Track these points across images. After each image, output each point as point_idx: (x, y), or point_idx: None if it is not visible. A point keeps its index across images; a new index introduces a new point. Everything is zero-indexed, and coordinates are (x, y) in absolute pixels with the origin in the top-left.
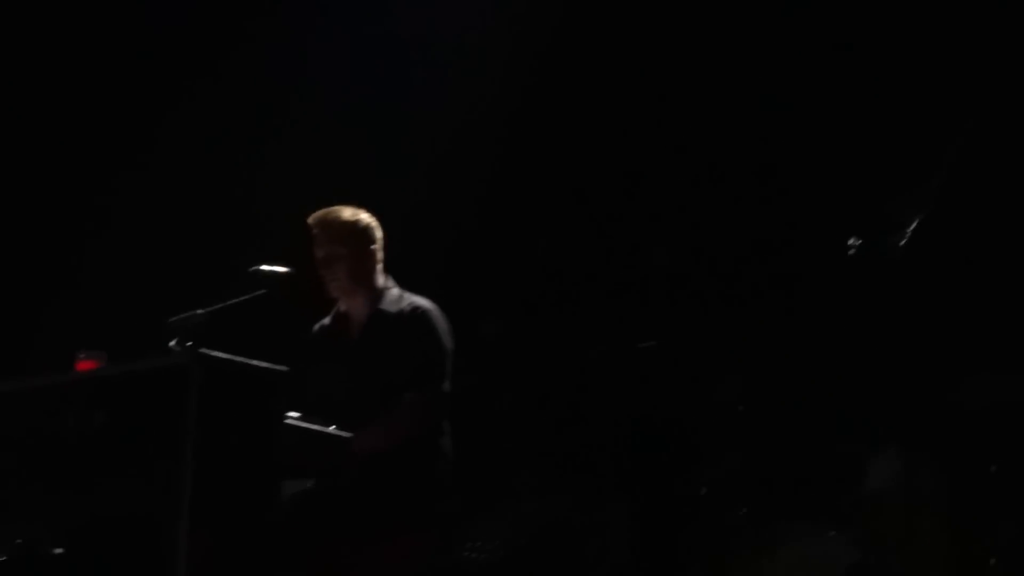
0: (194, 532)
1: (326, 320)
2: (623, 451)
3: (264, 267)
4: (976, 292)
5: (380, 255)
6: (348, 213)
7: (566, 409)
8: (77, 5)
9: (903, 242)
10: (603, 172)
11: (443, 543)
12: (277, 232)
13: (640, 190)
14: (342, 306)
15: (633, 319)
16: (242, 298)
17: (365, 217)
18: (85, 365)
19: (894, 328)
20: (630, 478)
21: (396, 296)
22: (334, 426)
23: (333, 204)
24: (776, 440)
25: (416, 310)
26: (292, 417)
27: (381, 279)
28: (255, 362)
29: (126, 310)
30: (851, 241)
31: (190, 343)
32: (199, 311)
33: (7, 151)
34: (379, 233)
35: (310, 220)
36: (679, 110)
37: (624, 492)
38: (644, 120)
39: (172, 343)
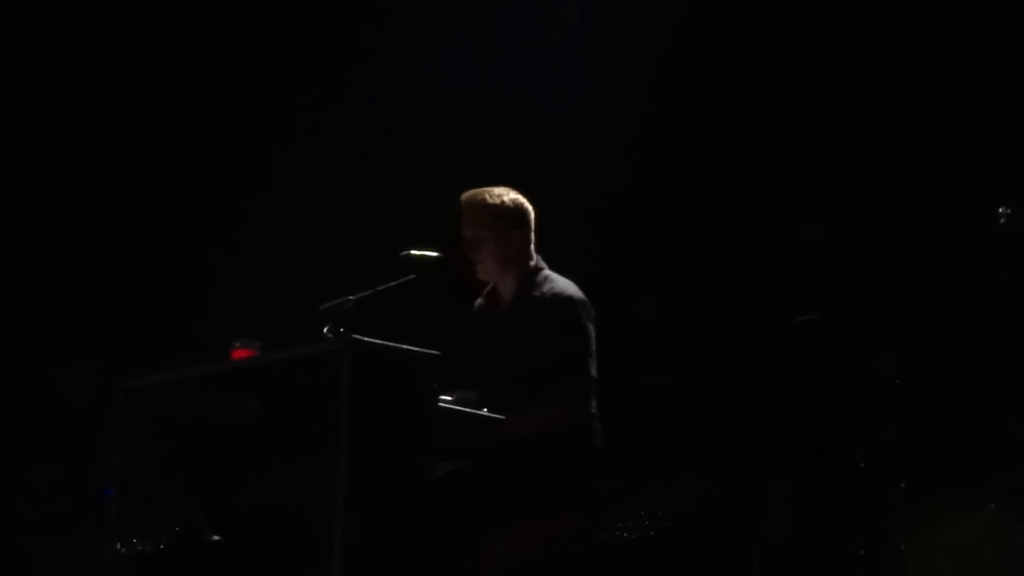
0: (350, 516)
1: (481, 299)
2: (781, 428)
3: (414, 252)
4: None
5: (530, 237)
6: (495, 194)
7: (724, 386)
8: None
9: None
10: (753, 149)
11: (593, 524)
12: (428, 215)
13: (791, 166)
14: (495, 285)
15: (788, 295)
16: (392, 283)
17: (512, 198)
18: (240, 354)
19: None
20: (789, 455)
21: (542, 279)
22: (485, 408)
23: (484, 184)
24: (933, 414)
25: (557, 297)
26: (445, 400)
27: (531, 260)
28: (407, 347)
29: (279, 299)
30: (1002, 209)
31: (342, 329)
32: (350, 297)
33: (174, 154)
34: (529, 215)
35: (461, 199)
36: (816, 93)
37: (783, 469)
38: (787, 103)
39: (324, 330)
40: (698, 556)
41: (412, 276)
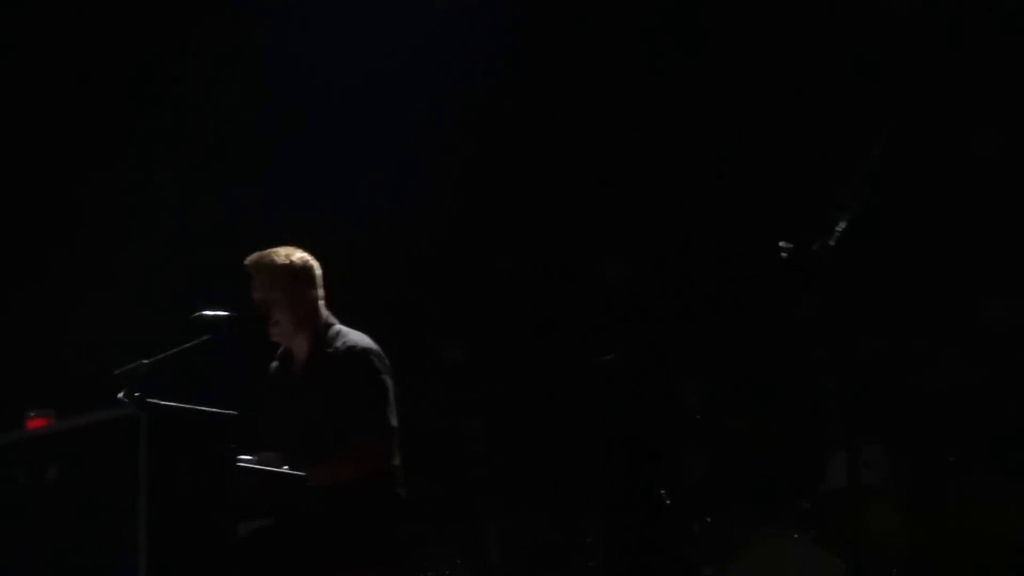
0: None
1: (276, 360)
2: (589, 466)
3: (207, 312)
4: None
5: (320, 293)
6: (283, 255)
7: (532, 428)
8: None
9: (832, 242)
10: (553, 188)
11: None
12: (220, 276)
13: (588, 204)
14: (289, 346)
15: (591, 334)
16: (187, 345)
17: (299, 257)
18: (35, 423)
19: (839, 326)
20: (598, 492)
21: (335, 334)
22: (286, 466)
23: (273, 243)
24: (735, 445)
25: (352, 349)
26: (245, 460)
27: (322, 316)
28: (203, 408)
29: (71, 365)
30: (782, 244)
31: (137, 393)
32: (144, 361)
33: None
34: (317, 272)
35: (246, 263)
36: (617, 123)
37: (593, 506)
38: (588, 136)
39: (120, 395)
40: None
41: (207, 337)
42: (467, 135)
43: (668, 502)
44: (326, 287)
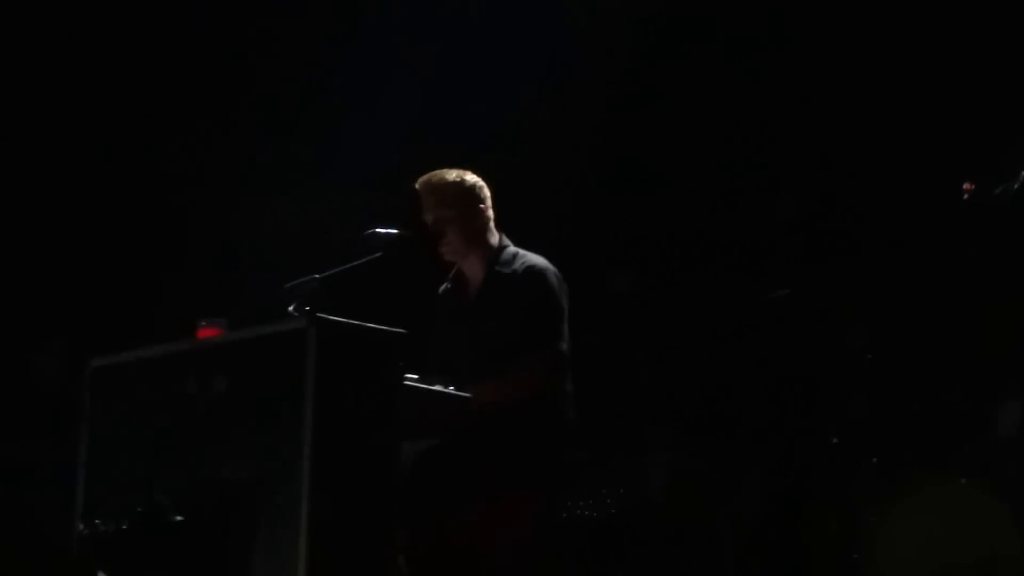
0: (316, 495)
1: (447, 283)
2: (753, 403)
3: (380, 230)
4: None
5: (490, 213)
6: (453, 175)
7: (695, 362)
8: None
9: (1017, 186)
10: (725, 127)
11: (562, 501)
12: (392, 194)
13: (765, 142)
14: (460, 268)
15: (761, 271)
16: (358, 261)
17: (471, 177)
18: (206, 333)
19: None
20: (761, 430)
21: (511, 255)
22: (452, 387)
23: (442, 166)
24: (904, 389)
25: (530, 269)
26: (411, 379)
27: (495, 238)
28: (373, 325)
29: (245, 278)
30: (965, 186)
31: (308, 308)
32: (316, 276)
33: (139, 137)
34: (487, 191)
35: (416, 184)
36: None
37: (755, 444)
38: (755, 85)
39: (290, 308)
40: (668, 533)
41: (379, 254)
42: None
43: (835, 441)
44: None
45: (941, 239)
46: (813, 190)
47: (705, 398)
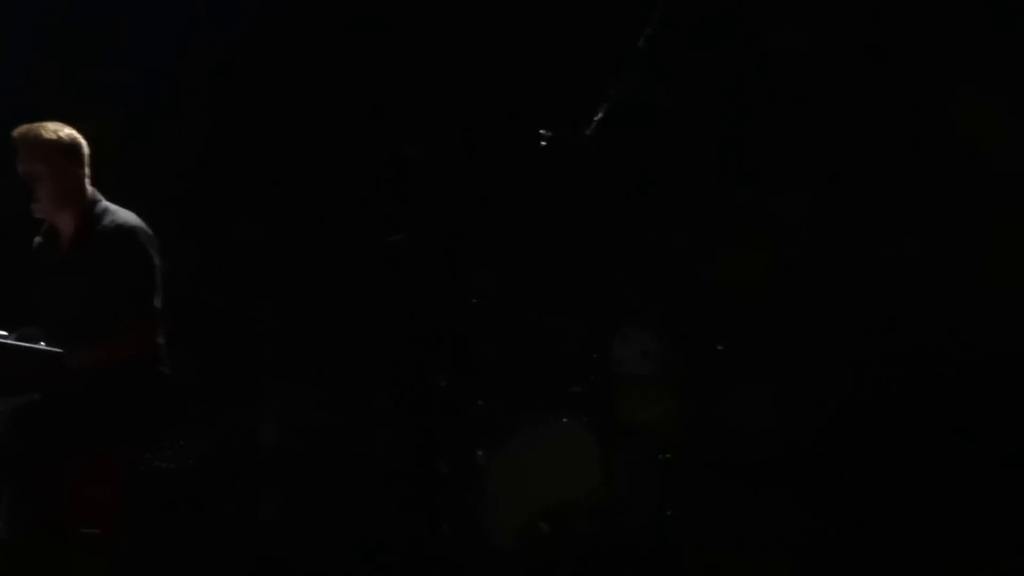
0: None
1: (39, 236)
2: (378, 348)
3: None
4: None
5: (86, 171)
6: (51, 130)
7: (322, 308)
8: None
9: (589, 132)
10: (354, 65)
11: (148, 455)
12: None
13: (388, 88)
14: (53, 222)
15: (385, 216)
16: None
17: (67, 133)
18: None
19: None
20: (386, 374)
21: (101, 211)
22: (43, 343)
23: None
24: (520, 333)
25: (120, 228)
26: (2, 335)
27: (87, 193)
28: None
29: None
30: (542, 131)
31: None
32: None
33: None
34: (84, 150)
35: (14, 135)
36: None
37: (380, 390)
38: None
39: None
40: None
41: None
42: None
43: (442, 384)
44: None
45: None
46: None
47: (328, 345)
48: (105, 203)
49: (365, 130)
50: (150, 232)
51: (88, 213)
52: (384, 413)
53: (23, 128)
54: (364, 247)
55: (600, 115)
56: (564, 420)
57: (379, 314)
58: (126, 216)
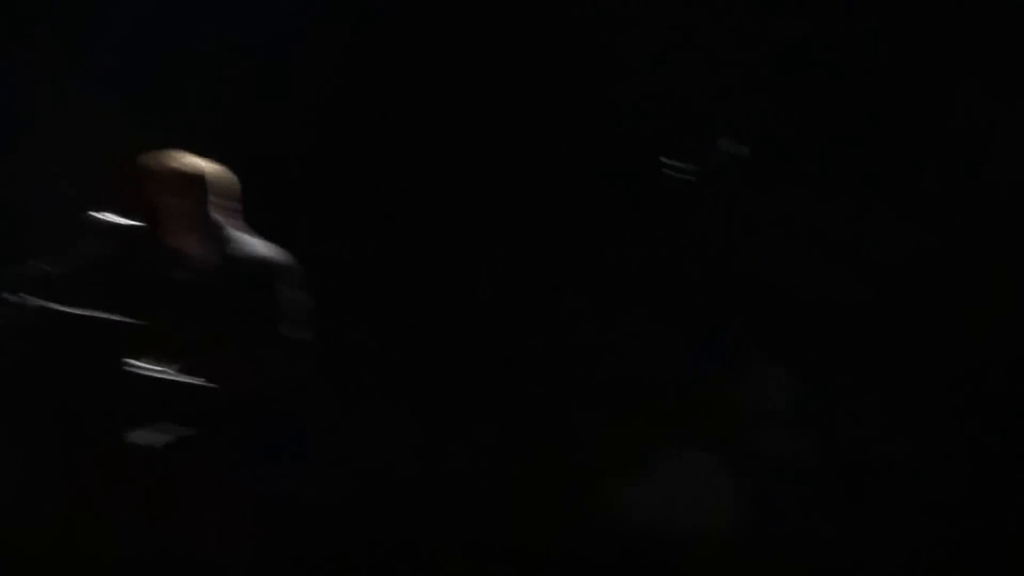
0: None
1: (166, 260)
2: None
3: (99, 214)
4: None
5: (215, 200)
6: (184, 160)
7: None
8: None
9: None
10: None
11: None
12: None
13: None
14: (184, 249)
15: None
16: (78, 247)
17: (201, 164)
18: None
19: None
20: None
21: (230, 238)
22: (176, 369)
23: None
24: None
25: (250, 258)
26: (136, 365)
27: (219, 222)
28: (97, 313)
29: None
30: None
31: (29, 295)
32: (37, 262)
33: None
34: (212, 178)
35: (144, 162)
36: None
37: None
38: None
39: (5, 295)
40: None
41: (98, 239)
42: None
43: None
44: None
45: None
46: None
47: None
48: (232, 230)
49: (470, 148)
50: (284, 260)
51: (217, 241)
52: (498, 437)
53: (156, 157)
54: (464, 268)
55: (726, 145)
56: (693, 450)
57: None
58: (256, 244)
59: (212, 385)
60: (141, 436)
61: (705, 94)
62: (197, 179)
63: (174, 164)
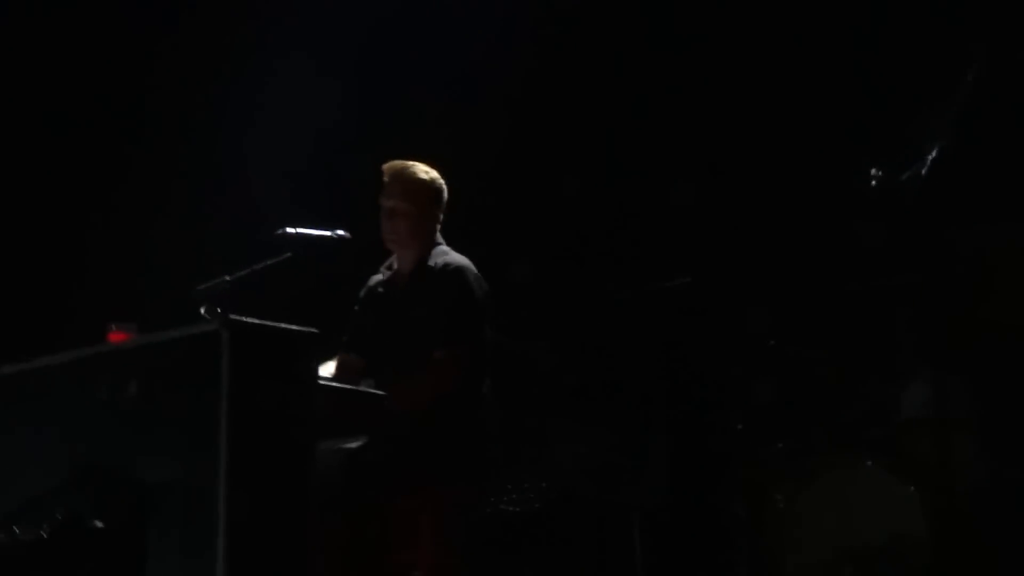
0: (233, 494)
1: (381, 273)
2: (657, 390)
3: (289, 229)
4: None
5: (441, 216)
6: (423, 170)
7: (599, 351)
8: None
9: (924, 171)
10: (625, 109)
11: (484, 494)
12: (302, 193)
13: (658, 128)
14: (394, 260)
15: (659, 258)
16: (269, 261)
17: (438, 178)
18: (117, 336)
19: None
20: (666, 417)
21: (438, 252)
22: (371, 382)
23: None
24: (807, 372)
25: (451, 267)
26: (324, 377)
27: (435, 236)
28: (284, 325)
29: (155, 281)
30: (873, 171)
31: (219, 309)
32: (227, 277)
33: (44, 139)
34: (445, 195)
35: (385, 168)
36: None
37: (660, 431)
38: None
39: (202, 310)
40: (577, 522)
41: (288, 254)
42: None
43: (739, 427)
44: None
45: (843, 222)
46: (712, 174)
47: (608, 388)
48: (445, 246)
49: (639, 170)
50: (479, 275)
51: (428, 252)
52: (673, 453)
53: (398, 164)
54: (642, 288)
55: (933, 155)
56: (868, 463)
57: (664, 356)
58: (458, 257)
59: (395, 396)
60: (333, 444)
61: None
62: (433, 191)
63: (418, 173)
